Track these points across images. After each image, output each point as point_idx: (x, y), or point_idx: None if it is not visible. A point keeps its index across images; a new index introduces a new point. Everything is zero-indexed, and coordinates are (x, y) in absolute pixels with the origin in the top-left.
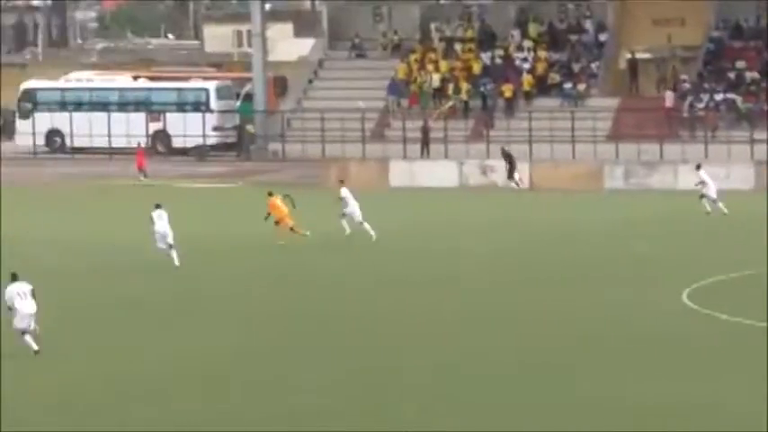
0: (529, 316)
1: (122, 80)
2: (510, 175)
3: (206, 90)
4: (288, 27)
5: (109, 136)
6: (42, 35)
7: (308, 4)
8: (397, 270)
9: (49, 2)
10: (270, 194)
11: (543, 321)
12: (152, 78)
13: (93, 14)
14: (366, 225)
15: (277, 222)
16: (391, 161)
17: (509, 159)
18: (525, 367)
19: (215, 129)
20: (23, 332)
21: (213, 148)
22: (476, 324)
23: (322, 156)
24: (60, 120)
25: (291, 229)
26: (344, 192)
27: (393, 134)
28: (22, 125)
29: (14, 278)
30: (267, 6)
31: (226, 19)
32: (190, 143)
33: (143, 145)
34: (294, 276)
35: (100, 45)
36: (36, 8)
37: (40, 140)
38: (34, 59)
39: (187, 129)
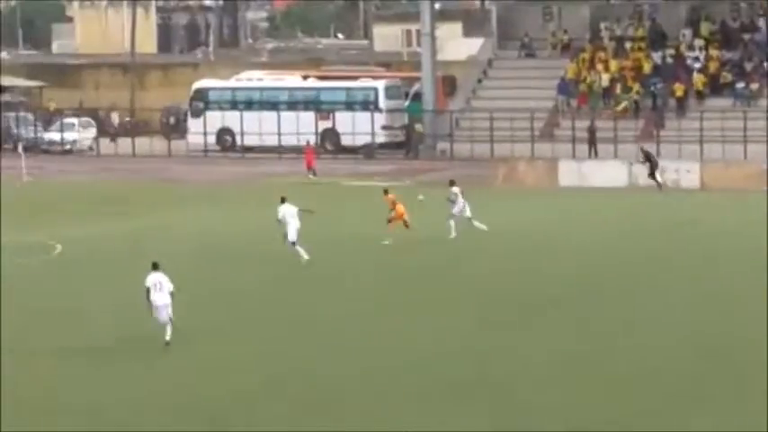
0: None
1: (292, 80)
2: (651, 174)
3: (375, 89)
4: (457, 26)
5: (278, 135)
6: (214, 35)
7: (477, 4)
8: (583, 269)
9: (221, 2)
10: (385, 192)
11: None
12: (321, 78)
13: (263, 14)
14: (476, 222)
15: (389, 220)
16: (560, 161)
17: (649, 158)
18: None
19: (383, 128)
20: (162, 321)
21: (381, 146)
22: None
23: (490, 155)
24: (231, 119)
25: (389, 221)
26: (455, 191)
27: (562, 134)
28: (193, 124)
29: (155, 267)
30: (437, 6)
31: (395, 18)
32: (358, 142)
33: (312, 144)
34: (466, 274)
35: (270, 45)
36: (208, 8)
37: (211, 139)
38: (206, 59)
39: (356, 127)
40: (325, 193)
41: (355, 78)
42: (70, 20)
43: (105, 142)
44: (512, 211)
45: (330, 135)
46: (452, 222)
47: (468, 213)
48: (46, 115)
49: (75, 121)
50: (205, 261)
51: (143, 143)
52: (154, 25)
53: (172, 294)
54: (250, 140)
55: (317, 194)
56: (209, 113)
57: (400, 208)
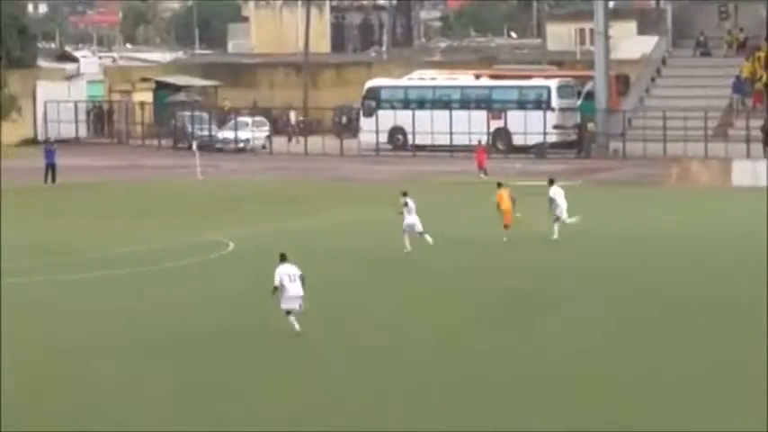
0: None
1: (464, 79)
2: None
3: (547, 88)
4: (631, 25)
5: (450, 134)
6: (387, 35)
7: (652, 3)
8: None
9: (395, 2)
10: (499, 185)
11: None
12: (494, 77)
13: (437, 14)
14: (572, 219)
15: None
16: (734, 160)
17: None
18: None
19: (555, 127)
20: (288, 312)
21: (553, 146)
22: None
23: (663, 155)
24: (403, 117)
25: (506, 226)
26: (553, 191)
27: (736, 133)
28: (365, 123)
29: (283, 259)
30: (610, 5)
31: (568, 17)
32: (530, 141)
33: (483, 143)
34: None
35: (443, 44)
36: (382, 8)
37: (383, 138)
38: (379, 58)
39: (528, 127)
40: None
41: (528, 77)
42: (246, 20)
43: (278, 141)
44: (685, 210)
45: (502, 134)
46: (556, 227)
47: (563, 213)
48: (220, 114)
49: (248, 119)
50: (371, 261)
51: (315, 142)
52: (328, 25)
53: (303, 279)
54: (421, 139)
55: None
56: (381, 112)
57: (506, 204)
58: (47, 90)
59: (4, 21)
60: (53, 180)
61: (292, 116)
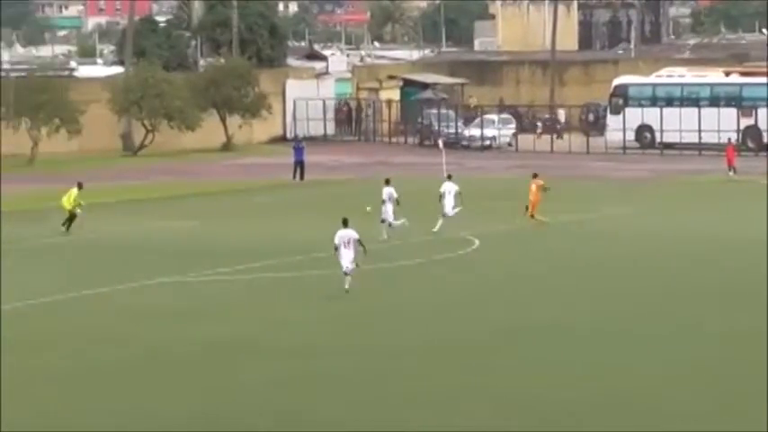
0: None
1: (714, 76)
2: None
3: None
4: None
5: (699, 132)
6: (635, 32)
7: None
8: None
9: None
10: (535, 176)
11: None
12: (744, 74)
13: (686, 11)
14: None
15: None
16: None
17: None
18: None
19: None
20: (345, 273)
21: None
22: None
23: None
24: (651, 115)
25: (532, 215)
26: None
27: None
28: (612, 121)
29: (345, 224)
30: None
31: None
32: None
33: (733, 141)
34: None
35: (692, 41)
36: (630, 5)
37: (630, 136)
38: (626, 55)
39: None
40: (743, 191)
41: None
42: (492, 17)
43: (524, 138)
44: None
45: (752, 132)
46: None
47: None
48: (466, 112)
49: (494, 117)
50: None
51: (562, 140)
52: (575, 22)
53: (360, 243)
54: (669, 137)
55: (736, 193)
56: (628, 110)
57: (536, 195)
58: (296, 88)
59: (255, 20)
60: (301, 177)
61: (561, 114)
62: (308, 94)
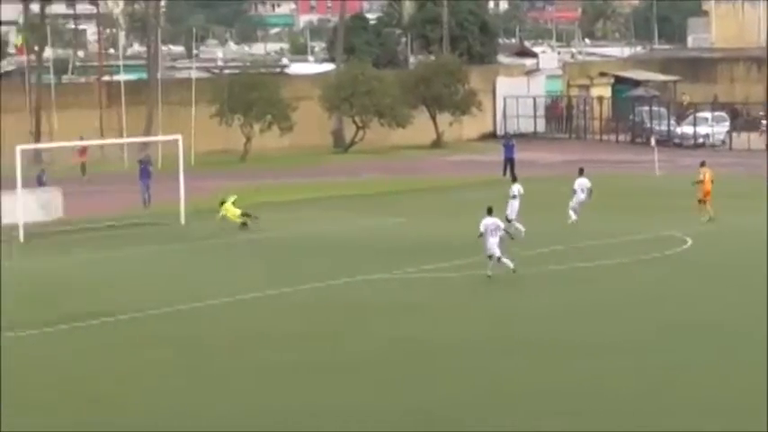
0: None
1: None
2: None
3: None
4: None
5: None
6: None
7: None
8: None
9: None
10: (702, 164)
11: None
12: None
13: None
14: None
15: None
16: None
17: None
18: None
19: None
20: (489, 257)
21: None
22: None
23: None
24: None
25: (700, 201)
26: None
27: None
28: None
29: (490, 212)
30: None
31: None
32: None
33: None
34: None
35: None
36: None
37: None
38: None
39: None
40: None
41: None
42: (706, 14)
43: (738, 137)
44: None
45: None
46: None
47: None
48: (679, 109)
49: (708, 115)
50: None
51: None
52: None
53: (506, 231)
54: None
55: None
56: None
57: (707, 186)
58: (506, 85)
59: (465, 17)
60: (512, 174)
61: None
62: (518, 92)
